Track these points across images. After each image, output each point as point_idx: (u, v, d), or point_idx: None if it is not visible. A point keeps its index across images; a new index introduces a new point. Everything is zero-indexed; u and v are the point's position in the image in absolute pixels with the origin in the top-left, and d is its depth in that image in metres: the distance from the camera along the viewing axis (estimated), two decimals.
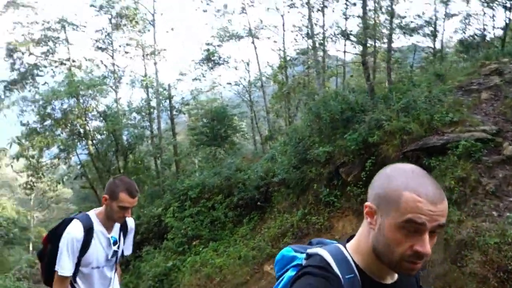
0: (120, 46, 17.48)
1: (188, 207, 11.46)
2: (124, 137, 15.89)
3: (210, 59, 17.36)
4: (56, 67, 17.67)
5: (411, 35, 12.28)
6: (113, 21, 17.18)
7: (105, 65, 17.53)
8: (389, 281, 1.21)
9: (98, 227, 2.73)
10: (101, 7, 16.58)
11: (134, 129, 15.59)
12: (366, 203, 1.16)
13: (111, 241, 2.77)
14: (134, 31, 17.60)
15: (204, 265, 9.39)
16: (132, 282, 10.99)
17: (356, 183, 7.67)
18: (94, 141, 15.92)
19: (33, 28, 17.07)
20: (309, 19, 12.60)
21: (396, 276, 1.22)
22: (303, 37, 14.00)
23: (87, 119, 15.82)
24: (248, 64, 17.86)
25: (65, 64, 17.62)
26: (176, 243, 10.89)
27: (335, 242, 1.30)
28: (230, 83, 18.42)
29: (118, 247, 2.82)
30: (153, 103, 16.42)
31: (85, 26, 17.21)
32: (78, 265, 2.66)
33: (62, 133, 15.61)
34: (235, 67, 18.07)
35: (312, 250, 1.22)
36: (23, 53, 17.30)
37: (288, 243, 8.24)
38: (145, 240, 12.39)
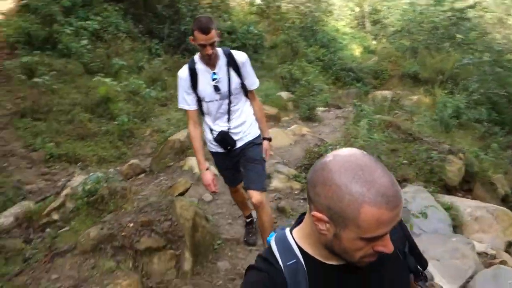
0: None
1: None
2: None
3: None
4: None
5: None
6: None
7: None
8: (342, 261, 1.06)
9: (200, 66, 3.04)
10: None
11: None
12: (315, 213, 0.96)
13: (211, 77, 3.03)
14: None
15: None
16: None
17: None
18: None
19: None
20: None
21: None
22: None
23: None
24: None
25: None
26: None
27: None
28: None
29: (219, 82, 3.03)
30: None
31: None
32: (199, 101, 3.12)
33: None
34: None
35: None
36: None
37: None
38: None
